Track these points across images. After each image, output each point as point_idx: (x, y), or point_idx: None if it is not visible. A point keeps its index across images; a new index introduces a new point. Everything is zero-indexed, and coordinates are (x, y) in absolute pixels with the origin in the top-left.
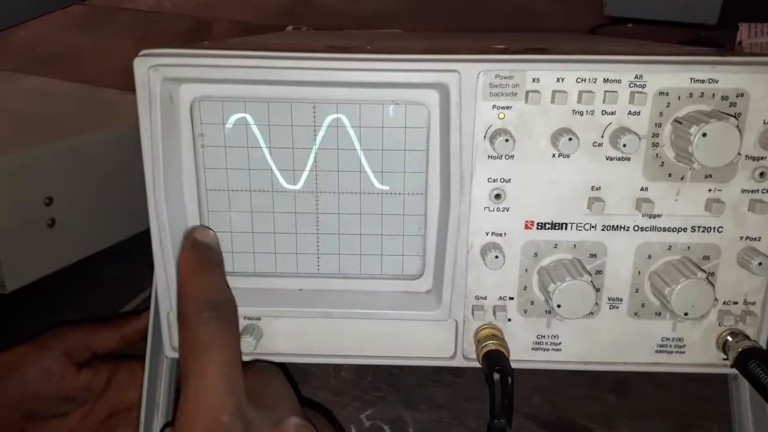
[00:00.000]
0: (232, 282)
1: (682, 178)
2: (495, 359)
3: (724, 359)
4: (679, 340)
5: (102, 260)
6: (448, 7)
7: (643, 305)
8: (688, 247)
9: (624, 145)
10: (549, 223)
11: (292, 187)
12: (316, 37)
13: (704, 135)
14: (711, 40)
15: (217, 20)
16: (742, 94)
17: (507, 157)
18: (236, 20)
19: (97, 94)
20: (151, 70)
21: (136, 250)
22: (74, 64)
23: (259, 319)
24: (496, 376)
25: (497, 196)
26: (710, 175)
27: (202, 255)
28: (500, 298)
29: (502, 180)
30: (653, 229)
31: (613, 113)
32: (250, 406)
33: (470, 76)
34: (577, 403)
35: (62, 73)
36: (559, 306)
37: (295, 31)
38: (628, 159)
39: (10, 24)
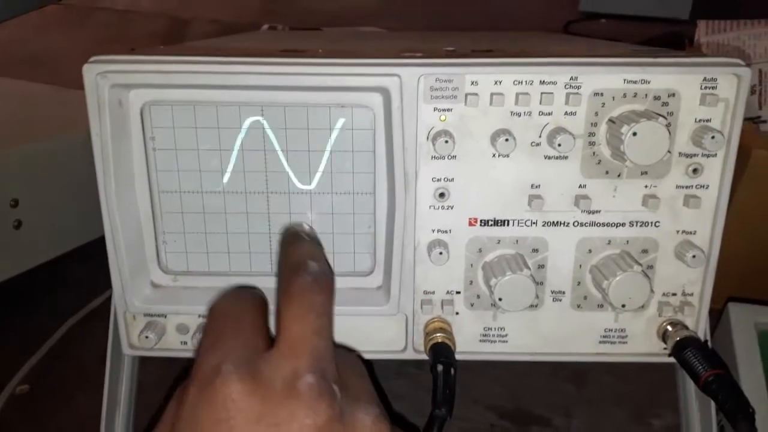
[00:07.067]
0: (186, 281)
1: (618, 175)
2: (440, 351)
3: (664, 348)
4: (622, 330)
5: (71, 259)
6: (426, 3)
7: (585, 298)
8: (627, 242)
9: (559, 145)
10: (492, 220)
11: (242, 188)
12: (279, 39)
13: (634, 134)
14: (683, 34)
15: (194, 19)
16: (674, 94)
17: (449, 157)
18: (213, 19)
19: (66, 95)
20: (99, 76)
21: (104, 248)
22: (49, 65)
23: None
24: (440, 367)
25: (441, 195)
26: (646, 172)
27: (302, 234)
28: (447, 292)
29: (445, 179)
30: (592, 224)
31: (549, 114)
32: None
33: (411, 80)
34: (537, 394)
35: (37, 73)
36: (500, 299)
37: (265, 31)
38: (566, 158)
39: None
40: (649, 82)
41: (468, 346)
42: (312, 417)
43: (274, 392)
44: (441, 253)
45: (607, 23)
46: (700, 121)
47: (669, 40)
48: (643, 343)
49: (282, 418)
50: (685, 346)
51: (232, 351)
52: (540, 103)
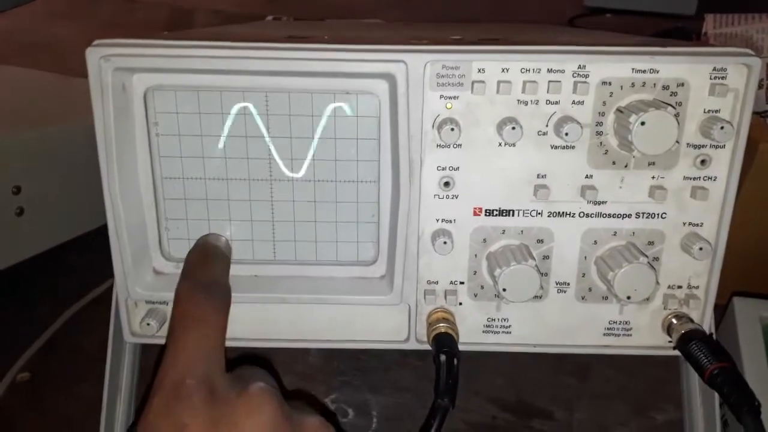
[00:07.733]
0: None
1: (625, 166)
2: (443, 342)
3: (669, 341)
4: (626, 323)
5: (72, 248)
6: None
7: (590, 289)
8: (633, 233)
9: (566, 134)
10: (497, 210)
11: (245, 174)
12: (284, 27)
13: (643, 123)
14: (689, 30)
15: (198, 10)
16: (683, 84)
17: (455, 145)
18: (217, 10)
19: (70, 83)
20: (102, 60)
21: (106, 237)
22: (55, 54)
23: None
24: (443, 357)
25: (446, 184)
26: (653, 163)
27: (207, 250)
28: (451, 282)
29: (450, 168)
30: (598, 215)
31: (557, 102)
32: (222, 377)
33: (417, 67)
34: (540, 386)
35: (42, 62)
36: (504, 290)
37: (269, 21)
38: (573, 147)
39: None
40: (657, 72)
41: (471, 336)
42: (266, 414)
43: (229, 400)
44: (445, 243)
45: (612, 18)
46: (709, 111)
47: (676, 35)
48: (647, 335)
49: (238, 418)
50: (690, 339)
51: (193, 365)
52: (547, 92)
